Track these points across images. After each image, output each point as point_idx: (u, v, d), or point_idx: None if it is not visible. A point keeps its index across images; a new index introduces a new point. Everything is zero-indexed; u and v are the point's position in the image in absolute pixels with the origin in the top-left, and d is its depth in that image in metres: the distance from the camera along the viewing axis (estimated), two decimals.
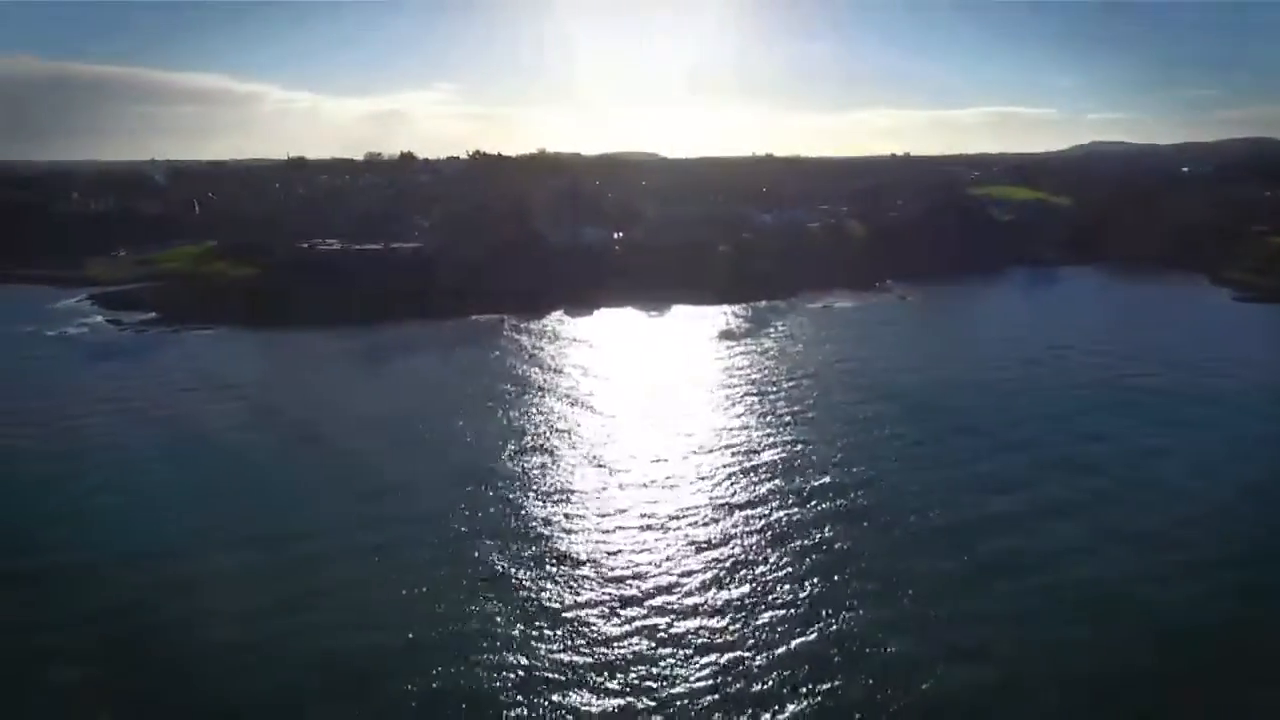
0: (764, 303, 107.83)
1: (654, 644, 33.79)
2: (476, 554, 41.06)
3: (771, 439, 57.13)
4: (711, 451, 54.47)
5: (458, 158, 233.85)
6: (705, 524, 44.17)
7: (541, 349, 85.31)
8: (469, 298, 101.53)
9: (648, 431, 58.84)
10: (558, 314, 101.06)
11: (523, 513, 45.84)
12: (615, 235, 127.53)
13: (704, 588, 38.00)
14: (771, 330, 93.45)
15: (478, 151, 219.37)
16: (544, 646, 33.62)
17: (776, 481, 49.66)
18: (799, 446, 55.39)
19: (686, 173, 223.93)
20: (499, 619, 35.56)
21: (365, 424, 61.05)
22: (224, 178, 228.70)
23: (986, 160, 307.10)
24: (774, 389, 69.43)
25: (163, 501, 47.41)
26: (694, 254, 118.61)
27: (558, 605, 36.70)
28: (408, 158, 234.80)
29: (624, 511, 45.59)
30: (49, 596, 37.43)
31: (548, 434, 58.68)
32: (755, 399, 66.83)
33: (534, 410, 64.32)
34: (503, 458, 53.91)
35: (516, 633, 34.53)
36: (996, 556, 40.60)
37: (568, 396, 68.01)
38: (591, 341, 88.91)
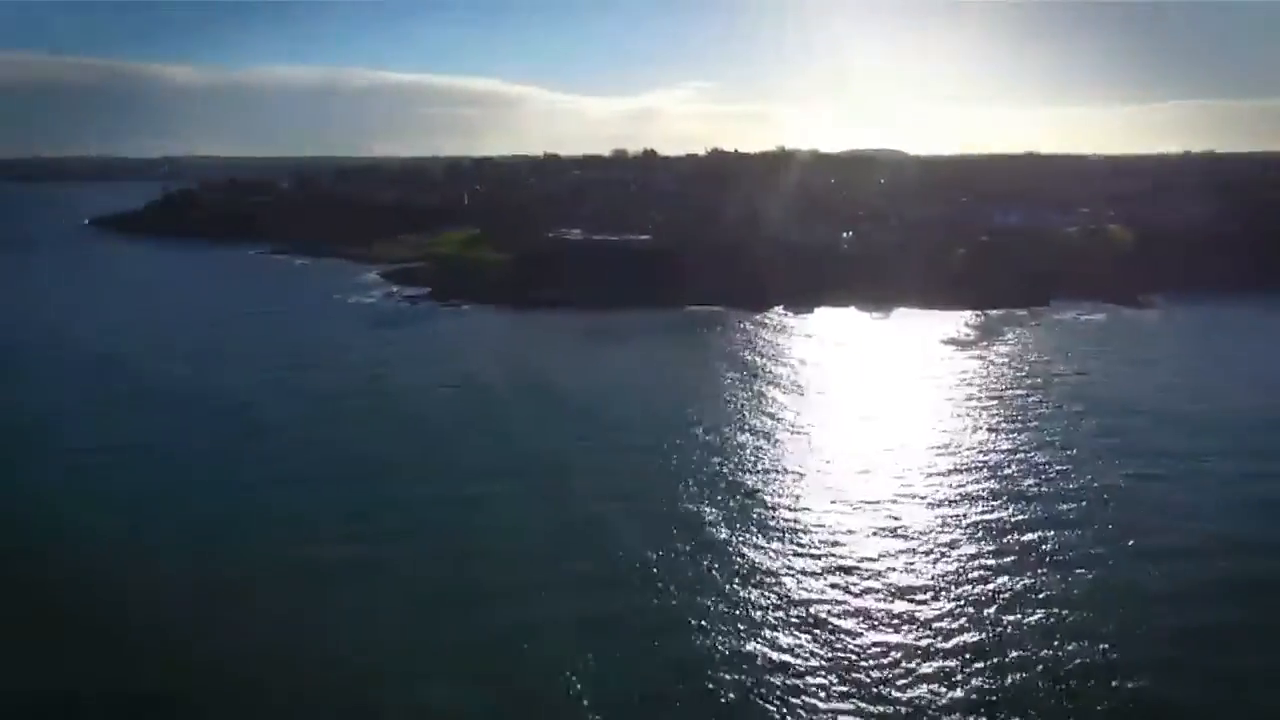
0: (999, 311, 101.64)
1: (840, 612, 35.51)
2: (687, 509, 45.34)
3: (984, 442, 55.81)
4: (918, 449, 54.33)
5: (696, 155, 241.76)
6: (908, 512, 44.82)
7: (754, 341, 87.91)
8: (693, 289, 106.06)
9: (853, 424, 59.96)
10: (776, 310, 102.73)
11: (732, 481, 49.24)
12: (844, 235, 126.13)
13: (898, 570, 38.97)
14: (1002, 339, 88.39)
15: (714, 149, 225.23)
16: (739, 596, 36.74)
17: (988, 483, 48.81)
18: (1016, 453, 53.69)
19: (931, 171, 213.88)
20: (702, 566, 39.31)
21: (596, 389, 68.43)
22: (490, 172, 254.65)
23: None
24: (994, 395, 67.00)
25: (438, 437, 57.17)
26: (926, 256, 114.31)
27: (756, 564, 39.59)
28: (649, 154, 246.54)
29: (825, 490, 47.67)
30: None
31: (756, 415, 61.93)
32: (971, 403, 65.02)
33: (742, 393, 67.73)
34: (718, 431, 57.83)
35: (717, 580, 37.88)
36: (1234, 580, 37.54)
37: (776, 384, 70.35)
38: (805, 337, 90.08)
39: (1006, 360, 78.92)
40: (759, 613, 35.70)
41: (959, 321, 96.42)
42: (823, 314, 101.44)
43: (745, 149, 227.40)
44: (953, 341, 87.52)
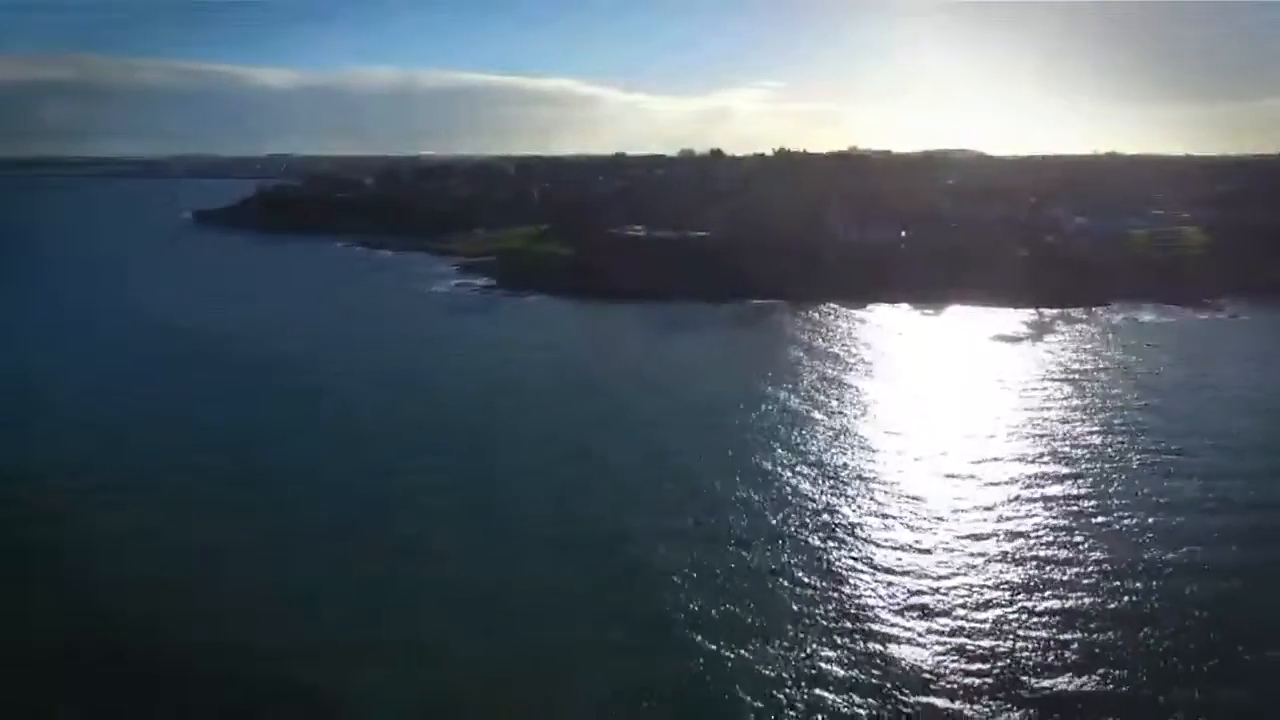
0: (1055, 310, 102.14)
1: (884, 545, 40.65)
2: (753, 457, 52.17)
3: (1009, 418, 59.89)
4: (951, 420, 59.50)
5: (764, 155, 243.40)
6: (939, 464, 50.96)
7: (804, 332, 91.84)
8: (751, 284, 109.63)
9: (888, 400, 65.15)
10: (830, 305, 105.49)
11: (792, 439, 55.92)
12: (901, 234, 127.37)
13: (923, 494, 45.64)
14: (1052, 336, 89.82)
15: (781, 149, 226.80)
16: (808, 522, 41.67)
17: (1007, 447, 53.82)
18: (1038, 426, 58.06)
19: (1004, 171, 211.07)
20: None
21: (658, 367, 75.97)
22: (560, 171, 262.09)
23: None
24: (1026, 381, 70.40)
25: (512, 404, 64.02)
26: (985, 256, 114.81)
27: (815, 499, 45.91)
28: (716, 154, 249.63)
29: (864, 448, 53.75)
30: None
31: (803, 390, 68.20)
32: (1003, 386, 68.91)
33: (790, 372, 73.60)
34: (775, 401, 64.63)
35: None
36: (1229, 528, 42.12)
37: (820, 367, 75.12)
38: (854, 331, 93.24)
39: (1046, 353, 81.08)
40: (809, 532, 42.04)
41: (1011, 319, 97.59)
42: (875, 309, 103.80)
43: (816, 149, 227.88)
44: (999, 337, 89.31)
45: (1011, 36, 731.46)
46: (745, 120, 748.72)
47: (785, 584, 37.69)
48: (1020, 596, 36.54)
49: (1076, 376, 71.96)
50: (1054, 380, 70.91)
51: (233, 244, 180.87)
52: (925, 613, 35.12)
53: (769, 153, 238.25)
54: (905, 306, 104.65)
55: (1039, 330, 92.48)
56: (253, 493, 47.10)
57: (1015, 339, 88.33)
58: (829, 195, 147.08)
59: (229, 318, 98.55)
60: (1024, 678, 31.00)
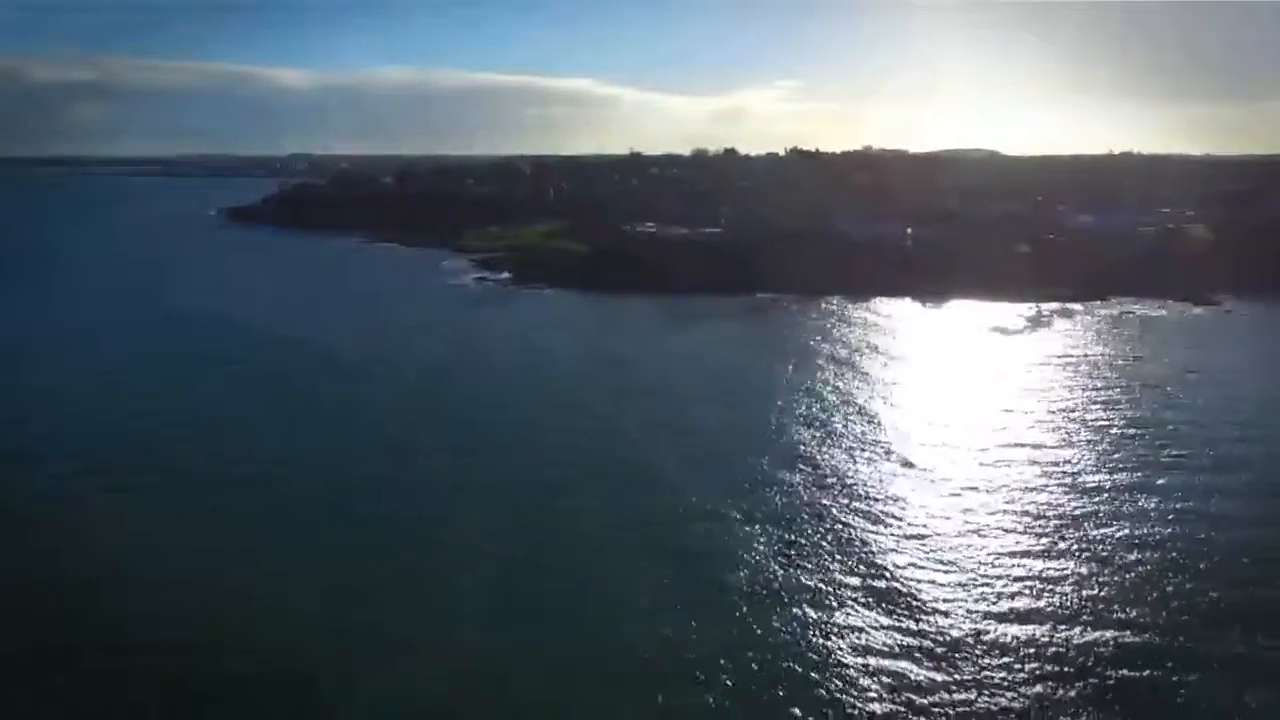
0: (1054, 304, 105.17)
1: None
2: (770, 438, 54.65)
3: (998, 402, 63.74)
4: (936, 397, 64.48)
5: (777, 154, 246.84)
6: (915, 431, 56.46)
7: (805, 322, 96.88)
8: (757, 279, 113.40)
9: (886, 385, 69.75)
10: (834, 299, 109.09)
11: (797, 412, 61.23)
12: (907, 231, 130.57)
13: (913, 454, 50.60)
14: (1048, 328, 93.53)
15: (793, 148, 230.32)
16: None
17: (1000, 430, 57.70)
18: (1019, 400, 63.38)
19: (1015, 170, 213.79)
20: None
21: (664, 357, 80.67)
22: (575, 169, 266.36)
23: None
24: (1018, 368, 74.86)
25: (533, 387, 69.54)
26: (987, 253, 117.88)
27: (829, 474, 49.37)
28: (728, 153, 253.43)
29: (853, 420, 58.75)
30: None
31: (799, 372, 73.21)
32: (993, 373, 73.32)
33: (788, 358, 77.80)
34: (774, 388, 68.65)
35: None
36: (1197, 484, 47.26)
37: (818, 353, 79.89)
38: (856, 322, 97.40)
39: (1039, 343, 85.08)
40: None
41: (1010, 313, 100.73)
42: (878, 303, 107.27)
43: (832, 148, 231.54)
44: (996, 329, 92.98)
45: (1030, 36, 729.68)
46: (762, 119, 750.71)
47: (780, 533, 42.20)
48: (992, 537, 41.43)
49: (1065, 363, 76.11)
50: (1043, 366, 75.22)
51: (260, 241, 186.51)
52: (912, 548, 40.64)
53: (782, 152, 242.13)
54: (908, 300, 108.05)
55: (1035, 323, 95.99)
56: None
57: (1011, 331, 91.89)
58: (838, 193, 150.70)
59: (278, 310, 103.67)
60: (987, 597, 36.28)
